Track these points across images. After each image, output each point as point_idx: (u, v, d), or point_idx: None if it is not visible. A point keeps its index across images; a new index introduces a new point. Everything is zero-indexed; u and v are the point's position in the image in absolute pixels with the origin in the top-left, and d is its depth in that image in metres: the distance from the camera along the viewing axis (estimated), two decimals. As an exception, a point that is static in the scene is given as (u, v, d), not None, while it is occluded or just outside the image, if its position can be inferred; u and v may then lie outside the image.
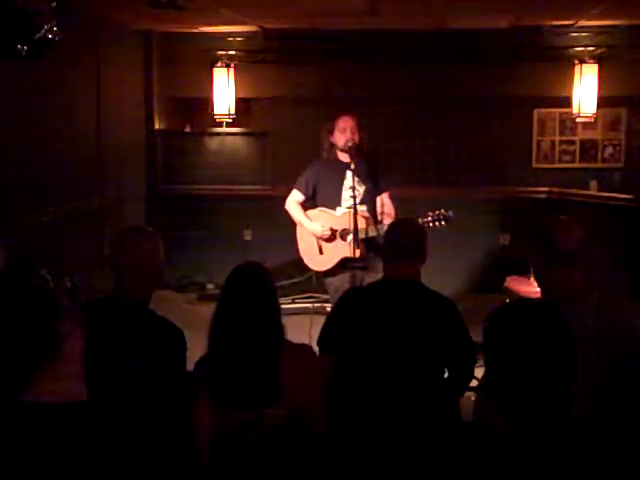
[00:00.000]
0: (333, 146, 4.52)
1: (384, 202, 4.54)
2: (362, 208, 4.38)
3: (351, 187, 4.29)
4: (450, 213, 4.24)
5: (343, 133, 4.43)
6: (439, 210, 4.24)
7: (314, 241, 4.55)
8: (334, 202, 4.50)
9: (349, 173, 4.38)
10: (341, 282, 4.37)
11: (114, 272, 2.56)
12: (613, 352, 2.16)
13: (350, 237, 4.27)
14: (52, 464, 1.86)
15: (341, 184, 4.48)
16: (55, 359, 1.95)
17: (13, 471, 1.84)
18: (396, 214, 4.48)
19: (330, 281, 4.54)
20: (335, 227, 4.48)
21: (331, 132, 4.49)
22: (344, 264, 4.41)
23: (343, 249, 4.41)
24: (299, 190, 4.62)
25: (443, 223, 4.22)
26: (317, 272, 4.70)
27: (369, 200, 4.49)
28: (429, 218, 4.21)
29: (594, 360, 2.15)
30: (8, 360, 1.89)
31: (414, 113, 6.43)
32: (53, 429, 1.89)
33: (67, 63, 4.77)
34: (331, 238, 4.47)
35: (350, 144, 4.37)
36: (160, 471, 2.30)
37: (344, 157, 4.48)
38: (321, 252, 4.54)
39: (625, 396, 2.18)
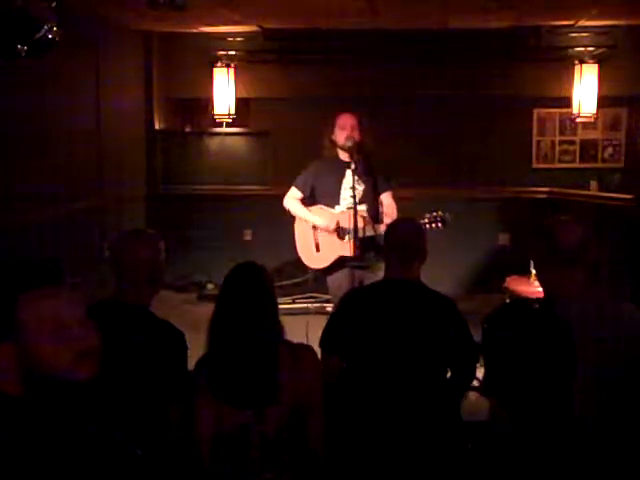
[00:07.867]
0: (333, 144, 4.51)
1: (386, 202, 4.51)
2: (362, 207, 4.36)
3: (351, 187, 4.27)
4: (447, 216, 4.21)
5: (343, 130, 4.40)
6: (436, 212, 4.21)
7: (311, 238, 4.53)
8: (333, 201, 4.49)
9: (349, 172, 4.36)
10: (342, 280, 4.36)
11: (115, 274, 2.55)
12: (614, 351, 2.16)
13: (348, 236, 4.26)
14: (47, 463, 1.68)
15: (340, 183, 4.46)
16: None
17: None
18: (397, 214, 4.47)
19: (331, 279, 4.51)
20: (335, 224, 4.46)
21: (331, 130, 4.49)
22: (342, 262, 4.40)
23: (340, 247, 4.39)
24: (297, 188, 4.61)
25: (440, 225, 4.18)
26: (317, 270, 4.68)
27: (369, 199, 4.47)
28: (425, 220, 4.17)
29: (595, 359, 2.15)
30: None
31: (414, 113, 6.42)
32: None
33: (67, 63, 4.77)
34: (333, 233, 4.44)
35: (350, 142, 4.34)
36: (160, 473, 2.28)
37: (344, 156, 4.47)
38: (318, 249, 4.52)
39: (626, 395, 2.18)
